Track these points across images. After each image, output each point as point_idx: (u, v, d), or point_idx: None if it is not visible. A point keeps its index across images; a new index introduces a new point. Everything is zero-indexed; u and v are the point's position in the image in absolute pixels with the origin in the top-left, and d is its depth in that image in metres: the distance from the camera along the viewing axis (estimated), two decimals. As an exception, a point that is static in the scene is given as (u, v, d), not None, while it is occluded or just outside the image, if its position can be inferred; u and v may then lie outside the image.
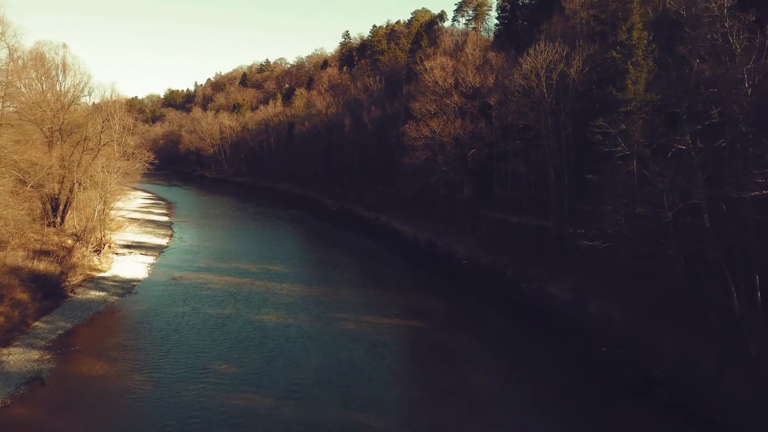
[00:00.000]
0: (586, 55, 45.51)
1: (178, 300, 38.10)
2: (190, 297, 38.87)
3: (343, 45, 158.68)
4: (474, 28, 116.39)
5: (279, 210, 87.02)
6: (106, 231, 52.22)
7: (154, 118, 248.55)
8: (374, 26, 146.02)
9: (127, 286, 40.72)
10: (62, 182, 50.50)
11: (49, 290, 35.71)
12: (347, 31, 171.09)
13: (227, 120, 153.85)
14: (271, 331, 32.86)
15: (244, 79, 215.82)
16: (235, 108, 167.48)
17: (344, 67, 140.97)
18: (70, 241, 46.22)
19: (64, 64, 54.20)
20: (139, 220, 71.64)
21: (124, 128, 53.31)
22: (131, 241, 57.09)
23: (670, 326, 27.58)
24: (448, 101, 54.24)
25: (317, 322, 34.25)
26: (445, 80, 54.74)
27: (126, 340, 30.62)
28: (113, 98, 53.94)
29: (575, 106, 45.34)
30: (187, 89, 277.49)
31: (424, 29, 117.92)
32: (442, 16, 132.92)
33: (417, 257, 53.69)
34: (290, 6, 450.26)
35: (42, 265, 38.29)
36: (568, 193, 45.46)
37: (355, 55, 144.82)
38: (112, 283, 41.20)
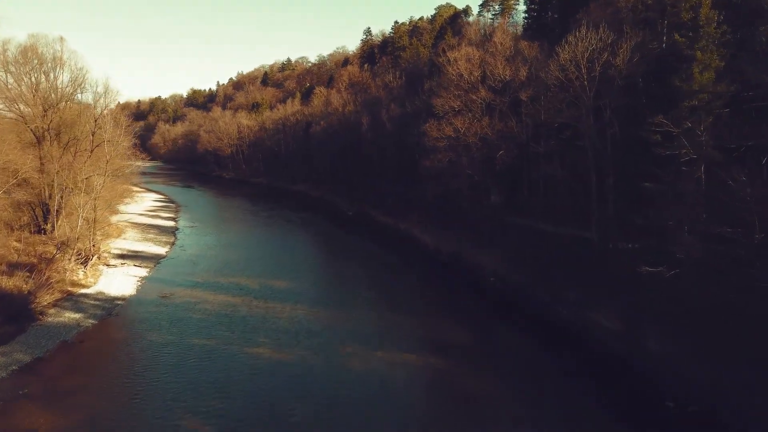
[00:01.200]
0: (635, 42, 39.46)
1: (162, 324, 33.24)
2: (178, 320, 33.97)
3: (364, 42, 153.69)
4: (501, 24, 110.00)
5: (292, 213, 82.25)
6: (98, 239, 47.91)
7: (176, 118, 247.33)
8: (396, 23, 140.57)
9: (108, 306, 36.03)
10: (51, 186, 46.38)
11: (14, 312, 31.17)
12: (368, 28, 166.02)
13: (245, 119, 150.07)
14: (263, 367, 27.74)
15: (266, 78, 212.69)
16: (254, 107, 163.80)
17: (365, 65, 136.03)
18: (55, 251, 41.89)
19: (56, 59, 50.04)
20: (142, 225, 67.61)
21: (119, 127, 48.82)
22: (127, 249, 52.69)
23: (763, 380, 21.56)
24: (474, 97, 48.43)
25: (318, 356, 28.97)
26: (471, 73, 48.92)
27: (88, 380, 25.75)
28: (106, 95, 49.47)
29: (621, 102, 39.35)
30: (210, 89, 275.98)
31: (448, 23, 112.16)
32: (467, 11, 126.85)
33: (438, 271, 48.13)
34: (313, 4, 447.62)
35: (12, 282, 33.87)
36: (614, 200, 39.46)
37: (376, 52, 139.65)
38: (92, 302, 36.56)
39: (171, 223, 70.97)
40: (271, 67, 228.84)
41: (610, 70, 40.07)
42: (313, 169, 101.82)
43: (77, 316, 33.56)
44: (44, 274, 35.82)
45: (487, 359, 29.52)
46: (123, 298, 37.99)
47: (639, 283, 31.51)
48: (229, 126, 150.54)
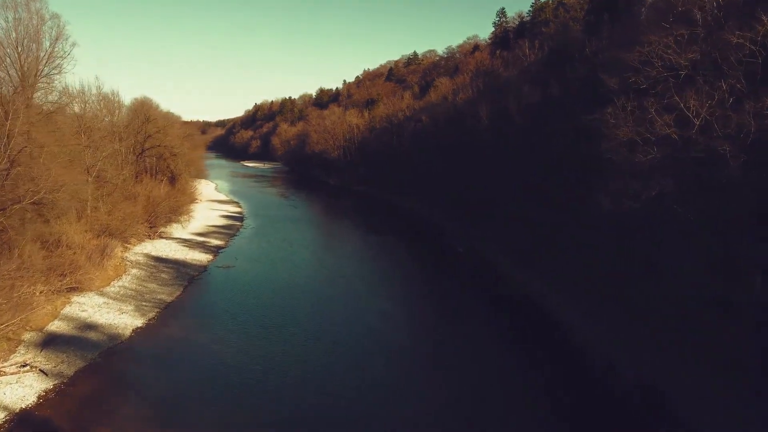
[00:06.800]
0: None
1: None
2: None
3: (497, 25, 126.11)
4: None
5: (380, 243, 59.13)
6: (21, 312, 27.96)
7: (299, 118, 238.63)
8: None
9: None
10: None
11: None
12: (503, 9, 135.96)
13: (354, 118, 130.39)
14: None
15: (390, 74, 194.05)
16: (368, 104, 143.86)
17: (497, 52, 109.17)
18: None
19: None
20: (163, 260, 48.32)
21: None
22: (79, 321, 32.53)
23: None
24: (728, 38, 20.51)
25: None
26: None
27: None
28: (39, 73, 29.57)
29: None
30: (336, 88, 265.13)
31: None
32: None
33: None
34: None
35: None
36: None
37: (511, 37, 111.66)
38: None
39: (206, 258, 50.81)
40: (397, 63, 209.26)
41: None
42: (419, 178, 77.66)
43: None
44: None
45: None
46: None
47: None
48: (336, 125, 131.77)
